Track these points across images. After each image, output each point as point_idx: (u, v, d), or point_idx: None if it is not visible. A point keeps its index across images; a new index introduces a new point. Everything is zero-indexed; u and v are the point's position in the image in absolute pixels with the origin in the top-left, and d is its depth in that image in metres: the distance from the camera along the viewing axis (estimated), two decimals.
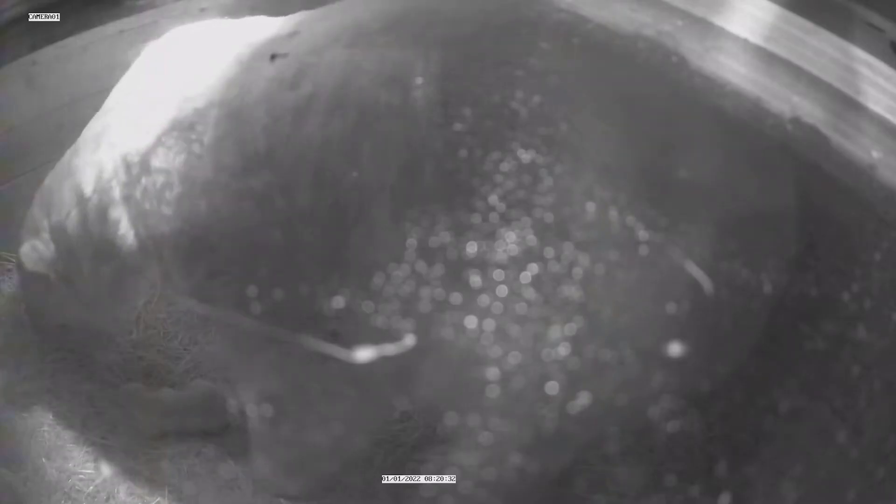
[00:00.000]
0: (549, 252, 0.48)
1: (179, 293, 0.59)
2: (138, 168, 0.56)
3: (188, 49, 0.59)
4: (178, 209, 0.55)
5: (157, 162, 0.56)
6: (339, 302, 0.49)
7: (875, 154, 0.55)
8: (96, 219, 0.59)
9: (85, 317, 0.65)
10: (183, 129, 0.55)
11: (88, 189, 0.59)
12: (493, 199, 0.49)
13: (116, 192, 0.58)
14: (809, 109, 0.57)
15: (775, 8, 0.59)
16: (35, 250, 0.63)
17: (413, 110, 0.51)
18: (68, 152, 0.62)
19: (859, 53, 0.56)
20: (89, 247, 0.60)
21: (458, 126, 0.50)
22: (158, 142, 0.55)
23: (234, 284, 0.53)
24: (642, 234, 0.48)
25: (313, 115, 0.52)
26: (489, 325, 0.47)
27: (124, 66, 0.61)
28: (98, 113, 0.61)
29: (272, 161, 0.53)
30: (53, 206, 0.62)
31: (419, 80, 0.51)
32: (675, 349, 0.47)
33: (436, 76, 0.51)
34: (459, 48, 0.52)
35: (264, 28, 0.58)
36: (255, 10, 0.64)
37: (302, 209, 0.52)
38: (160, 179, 0.55)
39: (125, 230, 0.58)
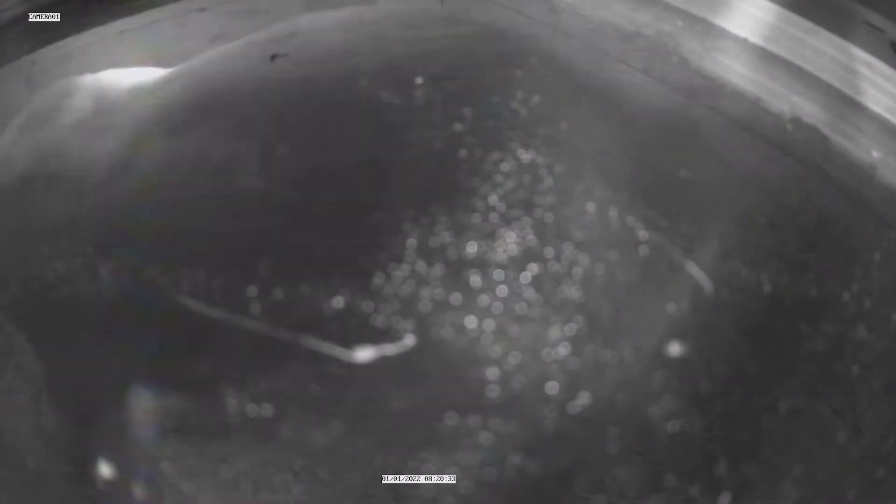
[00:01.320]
0: (549, 252, 0.48)
1: None
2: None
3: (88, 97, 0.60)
4: None
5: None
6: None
7: (875, 154, 0.55)
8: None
9: None
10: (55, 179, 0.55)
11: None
12: (493, 198, 0.49)
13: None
14: (809, 109, 0.57)
15: (775, 8, 0.59)
16: None
17: (239, 199, 0.51)
18: (28, 108, 0.61)
19: (859, 53, 0.56)
20: None
21: (458, 126, 0.50)
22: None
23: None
24: (642, 234, 0.48)
25: (143, 206, 0.52)
26: (489, 325, 0.47)
27: (124, 67, 0.61)
28: (45, 92, 0.61)
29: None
30: None
31: (244, 171, 0.51)
32: (675, 349, 0.47)
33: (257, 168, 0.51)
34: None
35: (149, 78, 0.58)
36: (253, 11, 0.64)
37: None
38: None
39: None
